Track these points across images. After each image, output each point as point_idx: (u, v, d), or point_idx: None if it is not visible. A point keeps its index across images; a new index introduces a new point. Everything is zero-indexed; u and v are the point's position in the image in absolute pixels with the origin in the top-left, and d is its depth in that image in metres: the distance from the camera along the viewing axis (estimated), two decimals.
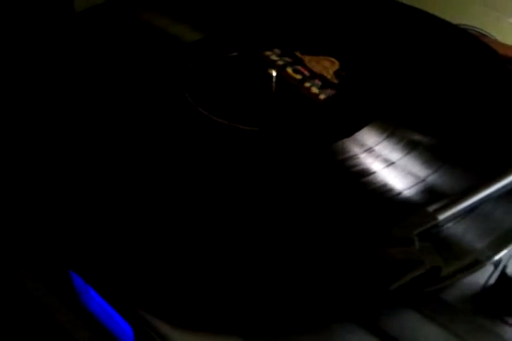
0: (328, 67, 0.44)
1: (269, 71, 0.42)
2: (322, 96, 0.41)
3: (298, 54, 0.45)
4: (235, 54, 0.46)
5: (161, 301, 0.28)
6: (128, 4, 0.54)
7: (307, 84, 0.43)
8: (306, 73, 0.44)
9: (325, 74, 0.43)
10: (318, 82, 0.43)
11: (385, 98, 0.41)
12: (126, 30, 0.50)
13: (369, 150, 0.36)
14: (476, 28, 0.56)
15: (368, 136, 0.37)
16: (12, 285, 0.37)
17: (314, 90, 0.42)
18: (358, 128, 0.37)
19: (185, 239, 0.30)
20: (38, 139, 0.37)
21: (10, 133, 0.37)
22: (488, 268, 0.29)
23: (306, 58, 0.45)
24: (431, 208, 0.29)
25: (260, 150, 0.36)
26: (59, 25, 0.50)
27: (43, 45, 0.47)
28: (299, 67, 0.44)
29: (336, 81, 0.42)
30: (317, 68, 0.44)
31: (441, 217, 0.29)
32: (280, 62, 0.45)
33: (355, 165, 0.35)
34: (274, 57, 0.45)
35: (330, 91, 0.42)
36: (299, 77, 0.43)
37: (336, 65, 0.44)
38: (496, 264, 0.29)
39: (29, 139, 0.37)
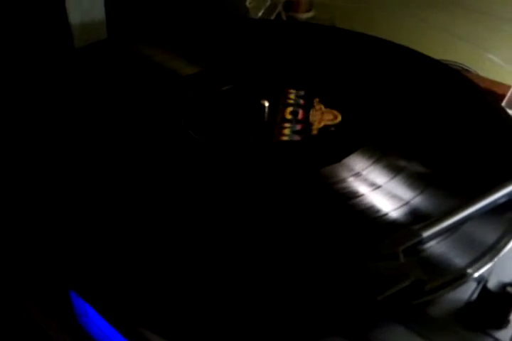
0: (325, 119, 0.44)
1: (262, 102, 0.44)
2: (284, 138, 0.42)
3: (315, 101, 0.47)
4: (232, 86, 0.48)
5: (161, 319, 0.29)
6: (126, 41, 0.56)
7: (286, 125, 0.44)
8: (300, 117, 0.45)
9: (314, 124, 0.44)
10: (297, 127, 0.44)
11: (372, 127, 0.43)
12: (125, 66, 0.51)
13: (357, 174, 0.38)
14: (458, 63, 0.59)
15: (356, 162, 0.39)
16: (11, 310, 0.37)
17: (286, 131, 0.43)
18: (347, 154, 0.39)
19: (182, 257, 0.31)
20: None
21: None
22: (472, 283, 0.31)
23: (317, 107, 0.46)
24: (416, 226, 0.31)
25: (253, 173, 0.38)
26: (58, 62, 0.51)
27: (43, 81, 0.48)
28: (300, 110, 0.46)
29: (315, 132, 0.43)
30: (315, 117, 0.45)
31: (426, 234, 0.30)
32: (290, 101, 0.47)
33: (344, 188, 0.36)
34: (291, 96, 0.47)
35: (296, 137, 0.43)
36: (289, 117, 0.45)
37: (335, 121, 0.45)
38: (479, 280, 0.30)
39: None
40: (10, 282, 0.37)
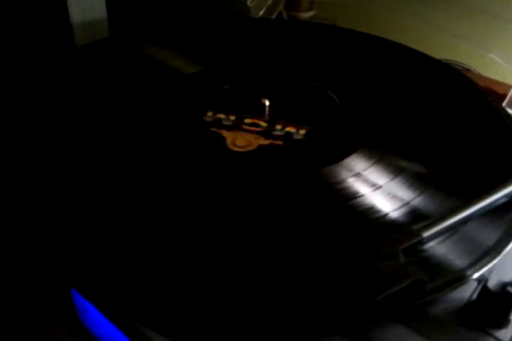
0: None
1: (263, 101, 0.44)
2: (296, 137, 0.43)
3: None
4: (232, 85, 0.48)
5: (161, 317, 0.29)
6: (127, 39, 0.56)
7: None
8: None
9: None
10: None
11: (372, 127, 0.43)
12: (126, 64, 0.52)
13: (357, 174, 0.38)
14: (460, 62, 0.59)
15: (357, 162, 0.39)
16: (12, 307, 0.38)
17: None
18: (347, 154, 0.40)
19: (182, 255, 0.31)
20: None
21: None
22: (472, 283, 0.31)
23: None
24: (416, 226, 0.31)
25: (253, 174, 0.38)
26: (60, 60, 0.52)
27: (45, 79, 0.48)
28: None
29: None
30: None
31: (426, 234, 0.30)
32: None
33: (344, 188, 0.36)
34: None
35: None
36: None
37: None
38: (479, 280, 0.31)
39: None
40: (11, 280, 0.37)
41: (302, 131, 0.43)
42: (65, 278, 0.33)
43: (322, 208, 0.35)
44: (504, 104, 0.49)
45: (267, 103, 0.44)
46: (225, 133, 0.42)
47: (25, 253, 0.35)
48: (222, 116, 0.44)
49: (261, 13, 0.67)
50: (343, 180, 0.37)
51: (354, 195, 0.36)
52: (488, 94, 0.48)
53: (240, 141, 0.42)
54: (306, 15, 0.70)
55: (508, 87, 0.52)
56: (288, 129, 0.43)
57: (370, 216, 0.34)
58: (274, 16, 0.68)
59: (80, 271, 0.31)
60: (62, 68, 0.51)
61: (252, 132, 0.43)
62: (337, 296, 0.29)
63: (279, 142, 0.42)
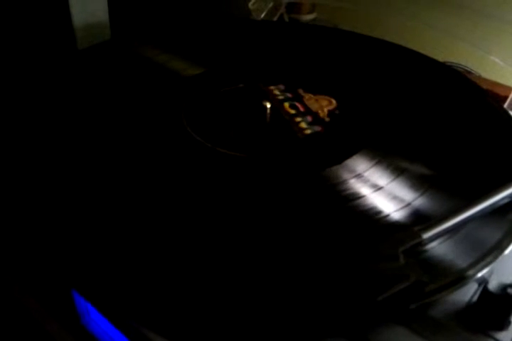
0: (324, 105, 0.46)
1: (264, 103, 0.44)
2: (308, 131, 0.43)
3: (300, 91, 0.48)
4: (234, 87, 0.48)
5: (163, 319, 0.29)
6: (129, 42, 0.56)
7: (298, 119, 0.44)
8: (301, 109, 0.46)
9: (319, 112, 0.45)
10: (309, 119, 0.45)
11: (374, 128, 0.43)
12: (128, 67, 0.52)
13: (359, 175, 0.38)
14: (461, 64, 0.59)
15: (358, 163, 0.39)
16: (13, 308, 0.38)
17: (302, 125, 0.44)
18: (349, 155, 0.40)
19: (183, 257, 0.31)
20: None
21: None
22: (472, 285, 0.31)
23: (306, 96, 0.47)
24: (416, 227, 0.31)
25: (255, 175, 0.38)
26: (62, 63, 0.52)
27: (47, 82, 0.48)
28: (296, 103, 0.46)
29: (327, 119, 0.44)
30: (314, 106, 0.46)
31: (426, 235, 0.30)
32: (280, 97, 0.47)
33: (346, 189, 0.36)
34: (276, 92, 0.48)
35: (317, 128, 0.44)
36: (292, 111, 0.45)
37: (333, 105, 0.46)
38: (480, 281, 0.31)
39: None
40: (12, 282, 0.37)
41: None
42: (66, 280, 0.33)
43: (323, 209, 0.35)
44: (505, 105, 0.49)
45: (268, 106, 0.44)
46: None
47: (26, 255, 0.35)
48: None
49: (262, 15, 0.67)
50: (345, 181, 0.37)
51: (355, 196, 0.36)
52: (490, 96, 0.48)
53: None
54: (307, 17, 0.70)
55: (509, 88, 0.52)
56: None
57: (370, 217, 0.34)
58: (275, 19, 0.68)
59: (81, 273, 0.31)
60: (64, 71, 0.51)
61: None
62: (337, 297, 0.29)
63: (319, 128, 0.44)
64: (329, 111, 0.45)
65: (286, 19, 0.69)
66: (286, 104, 0.46)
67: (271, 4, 0.67)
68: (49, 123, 0.43)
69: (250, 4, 0.65)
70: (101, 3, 0.60)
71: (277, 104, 0.46)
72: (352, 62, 0.53)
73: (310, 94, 0.47)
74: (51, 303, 0.36)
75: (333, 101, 0.46)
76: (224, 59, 0.53)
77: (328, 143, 0.42)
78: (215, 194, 0.36)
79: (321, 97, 0.47)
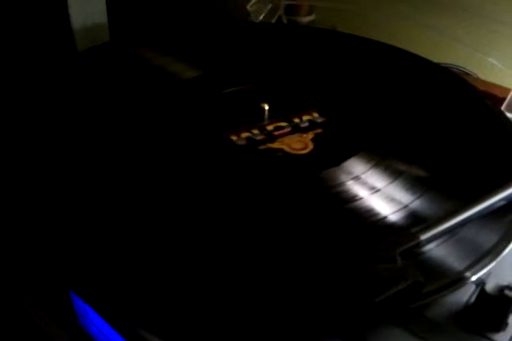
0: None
1: (262, 105, 0.44)
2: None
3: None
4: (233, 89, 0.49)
5: (161, 320, 0.29)
6: (128, 44, 0.56)
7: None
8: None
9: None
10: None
11: (372, 131, 0.44)
12: (127, 69, 0.52)
13: (356, 178, 0.38)
14: (458, 66, 0.59)
15: (356, 165, 0.39)
16: (12, 311, 0.38)
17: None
18: (346, 157, 0.40)
19: (182, 258, 0.31)
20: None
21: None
22: (470, 286, 0.31)
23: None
24: (413, 229, 0.31)
25: (253, 177, 0.38)
26: (61, 65, 0.52)
27: (46, 84, 0.48)
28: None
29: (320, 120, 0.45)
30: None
31: (423, 237, 0.31)
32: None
33: (343, 191, 0.37)
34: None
35: (317, 130, 0.44)
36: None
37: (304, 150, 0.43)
38: (477, 283, 0.31)
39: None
40: (10, 283, 0.37)
41: (316, 115, 0.45)
42: (64, 281, 0.33)
43: (321, 211, 0.35)
44: (503, 107, 0.50)
45: (266, 107, 0.44)
46: (275, 144, 0.43)
47: (24, 256, 0.35)
48: (247, 134, 0.44)
49: (261, 17, 0.67)
50: (342, 183, 0.37)
51: (353, 198, 0.36)
52: (487, 98, 0.49)
53: (295, 145, 0.42)
54: (305, 19, 0.70)
55: (506, 90, 0.52)
56: (306, 118, 0.45)
57: (368, 219, 0.34)
58: (273, 21, 0.69)
59: (79, 274, 0.31)
60: (63, 72, 0.51)
61: (288, 134, 0.44)
62: (335, 298, 0.29)
63: (319, 130, 0.44)
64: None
65: (285, 21, 0.69)
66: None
67: (269, 6, 0.67)
68: (48, 124, 0.43)
69: (249, 6, 0.65)
70: (100, 5, 0.60)
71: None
72: (350, 64, 0.54)
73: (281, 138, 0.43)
74: (49, 304, 0.36)
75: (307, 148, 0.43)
76: (223, 61, 0.53)
77: (326, 145, 0.42)
78: (212, 196, 0.36)
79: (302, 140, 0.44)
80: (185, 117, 0.45)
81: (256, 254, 0.32)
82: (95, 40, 0.58)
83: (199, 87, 0.49)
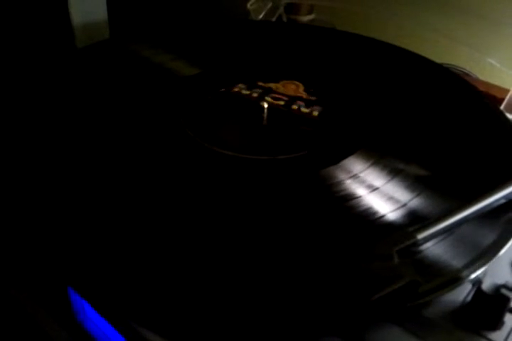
0: (295, 88, 0.46)
1: (261, 103, 0.44)
2: (315, 113, 0.44)
3: (261, 83, 0.48)
4: (231, 87, 0.49)
5: (158, 317, 0.29)
6: (127, 41, 0.57)
7: (294, 107, 0.45)
8: (285, 98, 0.46)
9: (300, 95, 0.46)
10: (301, 103, 0.45)
11: (371, 129, 0.44)
12: (126, 66, 0.52)
13: (355, 176, 0.38)
14: (458, 66, 0.59)
15: (354, 164, 0.39)
16: (9, 307, 0.38)
17: (304, 110, 0.45)
18: (345, 156, 0.40)
19: (181, 255, 0.31)
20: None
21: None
22: (466, 285, 0.31)
23: (273, 86, 0.48)
24: (411, 228, 0.31)
25: (251, 175, 0.38)
26: (61, 62, 0.52)
27: (45, 81, 0.49)
28: (275, 95, 0.47)
29: (313, 98, 0.45)
30: (289, 92, 0.46)
31: (420, 236, 0.31)
32: (255, 95, 0.47)
33: (341, 190, 0.37)
34: (244, 92, 0.48)
35: (317, 108, 0.45)
36: (281, 103, 0.46)
37: (301, 86, 0.47)
38: (474, 282, 0.31)
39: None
40: (8, 279, 0.37)
41: (316, 113, 0.45)
42: (62, 277, 0.33)
43: (319, 209, 0.35)
44: (502, 107, 0.50)
45: (266, 106, 0.44)
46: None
47: (22, 253, 0.35)
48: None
49: (260, 16, 0.67)
50: (341, 182, 0.37)
51: (351, 197, 0.36)
52: (487, 98, 0.49)
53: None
54: (305, 18, 0.70)
55: (505, 90, 0.52)
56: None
57: (366, 217, 0.34)
58: (274, 19, 0.69)
59: (77, 270, 0.31)
60: (63, 69, 0.51)
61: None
62: (332, 296, 0.29)
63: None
64: (305, 91, 0.46)
65: (285, 20, 0.69)
66: (269, 99, 0.46)
67: (269, 5, 0.67)
68: (48, 121, 0.43)
69: (249, 4, 0.65)
70: (100, 2, 0.60)
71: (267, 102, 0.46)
72: (350, 62, 0.54)
73: (272, 84, 0.47)
74: (47, 301, 0.36)
75: (298, 83, 0.46)
76: (222, 59, 0.53)
77: (325, 144, 0.42)
78: (212, 194, 0.36)
79: (286, 83, 0.47)
80: (183, 115, 0.45)
81: (254, 253, 0.32)
82: (95, 37, 0.58)
83: (199, 84, 0.49)
